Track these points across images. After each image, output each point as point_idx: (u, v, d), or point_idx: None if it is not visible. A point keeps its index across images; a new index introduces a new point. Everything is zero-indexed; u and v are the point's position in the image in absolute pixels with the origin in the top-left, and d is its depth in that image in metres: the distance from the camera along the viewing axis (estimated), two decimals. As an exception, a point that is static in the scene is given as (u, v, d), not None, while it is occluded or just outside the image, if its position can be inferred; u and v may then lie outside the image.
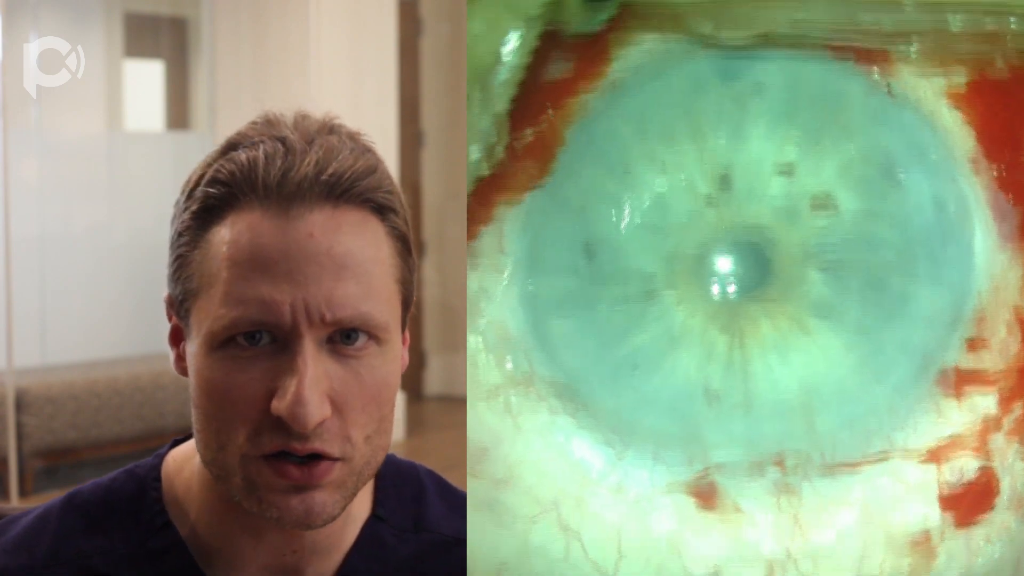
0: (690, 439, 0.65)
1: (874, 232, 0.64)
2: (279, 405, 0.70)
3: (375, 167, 0.74)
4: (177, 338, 0.77)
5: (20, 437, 3.99)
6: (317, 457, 0.72)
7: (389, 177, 0.76)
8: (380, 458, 0.76)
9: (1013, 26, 0.61)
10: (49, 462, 4.13)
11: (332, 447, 0.72)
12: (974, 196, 0.64)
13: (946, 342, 0.65)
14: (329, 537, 0.80)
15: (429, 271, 5.97)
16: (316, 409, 0.70)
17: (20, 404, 3.99)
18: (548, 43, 0.62)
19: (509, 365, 0.66)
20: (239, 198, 0.72)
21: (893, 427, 0.65)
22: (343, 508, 0.74)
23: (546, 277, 0.66)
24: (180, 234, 0.75)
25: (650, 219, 0.65)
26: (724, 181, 0.64)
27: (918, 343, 0.64)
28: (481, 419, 0.66)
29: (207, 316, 0.72)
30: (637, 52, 0.63)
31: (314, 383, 0.70)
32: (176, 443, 0.84)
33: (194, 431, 0.75)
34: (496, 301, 0.66)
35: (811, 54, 0.63)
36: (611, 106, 0.64)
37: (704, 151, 0.64)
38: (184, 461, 0.81)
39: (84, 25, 5.01)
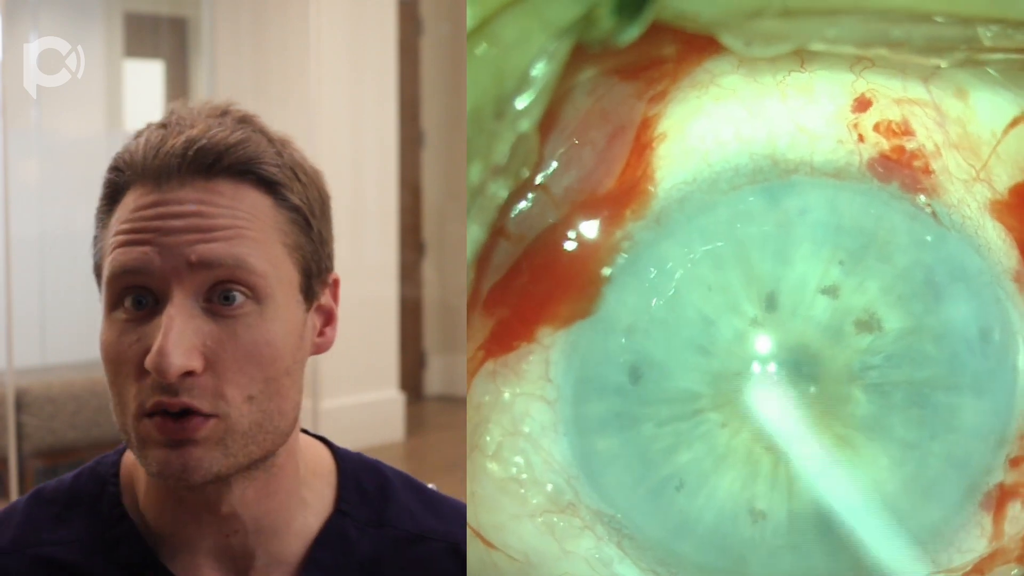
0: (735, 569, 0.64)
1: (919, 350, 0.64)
2: (148, 359, 0.74)
3: (249, 140, 0.78)
4: None
5: (20, 437, 3.98)
6: (190, 413, 0.75)
7: (279, 151, 0.79)
8: (280, 424, 0.79)
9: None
10: (49, 462, 4.12)
11: (202, 403, 0.75)
12: (1018, 316, 0.64)
13: (991, 464, 0.64)
14: (270, 517, 0.83)
15: (429, 271, 5.97)
16: (178, 360, 0.74)
17: (20, 404, 3.98)
18: (578, 57, 0.62)
19: (550, 488, 0.65)
20: (128, 181, 0.78)
21: (937, 550, 0.64)
22: (230, 468, 0.77)
23: (591, 402, 0.65)
24: (95, 218, 0.81)
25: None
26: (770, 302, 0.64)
27: (963, 458, 0.64)
28: (523, 536, 0.66)
29: (103, 286, 0.78)
30: (677, 189, 0.64)
31: (179, 336, 0.74)
32: None
33: None
34: (539, 424, 0.65)
35: (854, 180, 0.64)
36: (659, 240, 0.64)
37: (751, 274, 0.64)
38: None
39: (84, 25, 5.00)
